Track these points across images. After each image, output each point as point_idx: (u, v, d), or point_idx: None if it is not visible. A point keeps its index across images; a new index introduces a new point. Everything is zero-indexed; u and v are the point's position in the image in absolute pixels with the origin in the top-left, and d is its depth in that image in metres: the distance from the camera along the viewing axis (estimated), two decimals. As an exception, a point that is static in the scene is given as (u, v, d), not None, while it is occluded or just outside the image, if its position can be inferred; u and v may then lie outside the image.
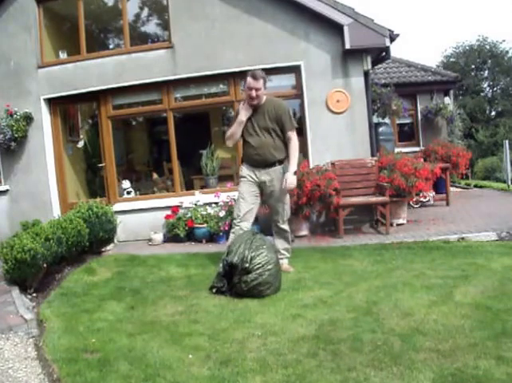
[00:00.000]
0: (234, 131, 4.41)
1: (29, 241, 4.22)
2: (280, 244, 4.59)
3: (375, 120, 7.86)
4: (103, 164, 7.11)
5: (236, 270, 3.82)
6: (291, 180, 4.20)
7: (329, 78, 6.46)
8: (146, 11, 7.91)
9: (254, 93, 4.21)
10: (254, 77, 4.19)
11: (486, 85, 26.88)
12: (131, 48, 6.91)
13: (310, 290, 3.88)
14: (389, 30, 6.17)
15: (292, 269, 4.51)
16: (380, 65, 9.70)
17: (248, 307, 3.59)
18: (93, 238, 5.62)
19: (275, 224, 4.57)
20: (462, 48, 26.49)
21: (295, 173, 4.30)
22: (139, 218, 6.73)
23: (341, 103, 6.46)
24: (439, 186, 7.85)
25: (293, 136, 4.36)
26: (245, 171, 4.47)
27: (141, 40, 7.75)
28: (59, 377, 2.68)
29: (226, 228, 6.08)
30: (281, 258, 4.49)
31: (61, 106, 7.23)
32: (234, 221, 4.43)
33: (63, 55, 7.21)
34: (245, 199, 4.41)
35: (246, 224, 4.36)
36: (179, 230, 6.32)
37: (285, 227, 4.58)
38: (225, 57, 6.55)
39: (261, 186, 4.44)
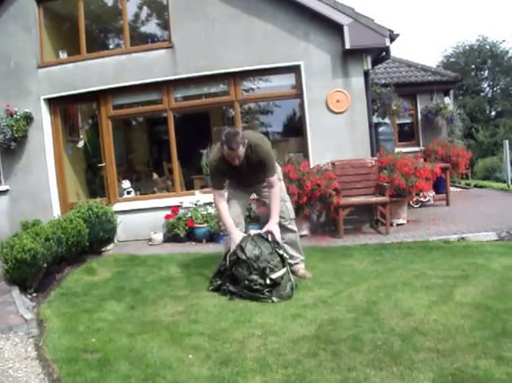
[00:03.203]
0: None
1: (29, 241, 4.22)
2: (290, 248, 4.31)
3: (375, 120, 7.86)
4: (103, 164, 7.11)
5: (247, 271, 3.80)
6: (276, 231, 4.02)
7: (329, 78, 6.46)
8: (146, 11, 7.91)
9: (237, 161, 3.87)
10: (231, 148, 3.74)
11: (486, 85, 26.93)
12: (131, 48, 6.92)
13: (310, 290, 3.88)
14: (389, 30, 6.17)
15: (309, 274, 4.27)
16: (380, 65, 9.70)
17: (248, 307, 3.59)
18: (93, 238, 5.62)
19: (280, 226, 4.24)
20: (462, 48, 26.52)
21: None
22: (139, 218, 6.73)
23: (341, 103, 6.46)
24: (439, 186, 7.84)
25: (274, 183, 4.05)
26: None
27: (141, 40, 7.74)
28: (59, 376, 2.69)
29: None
30: (297, 263, 4.34)
31: (61, 106, 7.23)
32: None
33: (63, 55, 7.21)
34: (236, 202, 4.28)
35: (241, 227, 4.28)
36: (179, 230, 6.32)
37: (292, 227, 4.35)
38: (225, 56, 6.55)
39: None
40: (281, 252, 3.96)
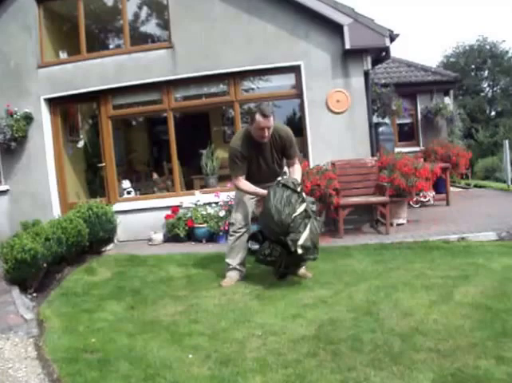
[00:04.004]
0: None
1: (30, 241, 4.23)
2: None
3: (375, 120, 7.86)
4: (103, 164, 7.11)
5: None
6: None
7: (329, 78, 6.47)
8: (146, 11, 7.91)
9: (266, 133, 3.92)
10: (265, 115, 3.84)
11: (486, 85, 26.91)
12: (131, 48, 6.92)
13: (310, 290, 3.88)
14: (389, 30, 6.17)
15: (309, 274, 4.24)
16: (380, 65, 9.69)
17: (248, 307, 3.59)
18: (93, 238, 5.63)
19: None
20: (462, 48, 26.51)
21: None
22: (139, 218, 6.73)
23: (341, 103, 6.46)
24: (439, 186, 7.85)
25: (296, 164, 4.24)
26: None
27: (141, 40, 7.74)
28: (59, 376, 2.69)
29: (227, 228, 6.08)
30: None
31: (61, 106, 7.23)
32: (233, 227, 4.29)
33: (63, 55, 7.22)
34: (245, 203, 4.29)
35: (248, 228, 4.30)
36: (179, 230, 6.32)
37: None
38: (225, 56, 6.56)
39: None
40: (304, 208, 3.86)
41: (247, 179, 4.18)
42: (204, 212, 6.36)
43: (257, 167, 4.19)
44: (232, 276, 4.25)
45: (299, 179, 4.14)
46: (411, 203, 7.37)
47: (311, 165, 6.30)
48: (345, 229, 6.00)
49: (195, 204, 6.52)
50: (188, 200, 6.63)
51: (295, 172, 4.20)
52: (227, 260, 4.32)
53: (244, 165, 4.11)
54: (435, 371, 2.44)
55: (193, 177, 7.96)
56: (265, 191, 4.04)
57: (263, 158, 4.14)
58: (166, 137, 7.25)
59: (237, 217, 4.27)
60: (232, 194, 6.45)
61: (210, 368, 2.66)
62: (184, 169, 7.64)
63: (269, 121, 3.89)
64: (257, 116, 3.88)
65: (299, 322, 3.22)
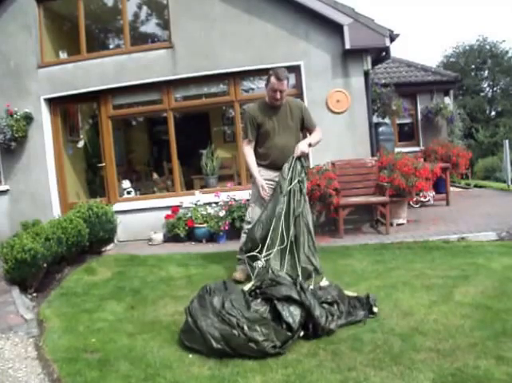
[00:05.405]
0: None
1: (30, 241, 4.23)
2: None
3: (375, 120, 7.86)
4: (103, 164, 7.11)
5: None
6: (303, 146, 4.04)
7: (329, 78, 6.47)
8: (146, 11, 7.92)
9: (278, 95, 4.04)
10: (279, 79, 3.99)
11: (486, 85, 26.90)
12: (132, 48, 6.91)
13: (310, 290, 3.88)
14: (389, 30, 6.17)
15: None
16: (379, 65, 9.70)
17: (248, 307, 3.58)
18: (93, 238, 5.63)
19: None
20: (462, 48, 26.51)
21: (309, 145, 4.15)
22: (139, 218, 6.73)
23: (341, 103, 6.46)
24: (439, 186, 7.84)
25: (317, 129, 4.36)
26: (262, 176, 4.23)
27: (141, 40, 7.75)
28: (59, 376, 2.69)
29: (227, 228, 6.10)
30: None
31: (61, 106, 7.23)
32: (248, 225, 4.24)
33: (63, 55, 7.22)
34: (261, 200, 4.20)
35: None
36: (179, 230, 6.32)
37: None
38: (225, 56, 6.56)
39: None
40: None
41: (265, 147, 4.24)
42: (204, 212, 6.36)
43: (273, 132, 4.20)
44: (244, 269, 4.21)
45: (317, 137, 4.25)
46: (411, 203, 7.37)
47: (311, 165, 6.30)
48: (345, 229, 6.00)
49: (195, 204, 6.52)
50: (188, 200, 6.63)
51: (314, 133, 4.30)
52: (239, 256, 4.33)
53: (254, 129, 4.23)
54: (435, 371, 2.44)
55: (193, 177, 7.97)
56: (260, 182, 4.13)
57: (278, 122, 4.19)
58: (166, 137, 7.25)
59: (253, 216, 4.21)
60: (232, 194, 6.48)
61: (210, 368, 2.66)
62: (184, 169, 7.64)
63: (283, 84, 4.02)
64: (272, 79, 4.03)
65: (299, 322, 3.22)
